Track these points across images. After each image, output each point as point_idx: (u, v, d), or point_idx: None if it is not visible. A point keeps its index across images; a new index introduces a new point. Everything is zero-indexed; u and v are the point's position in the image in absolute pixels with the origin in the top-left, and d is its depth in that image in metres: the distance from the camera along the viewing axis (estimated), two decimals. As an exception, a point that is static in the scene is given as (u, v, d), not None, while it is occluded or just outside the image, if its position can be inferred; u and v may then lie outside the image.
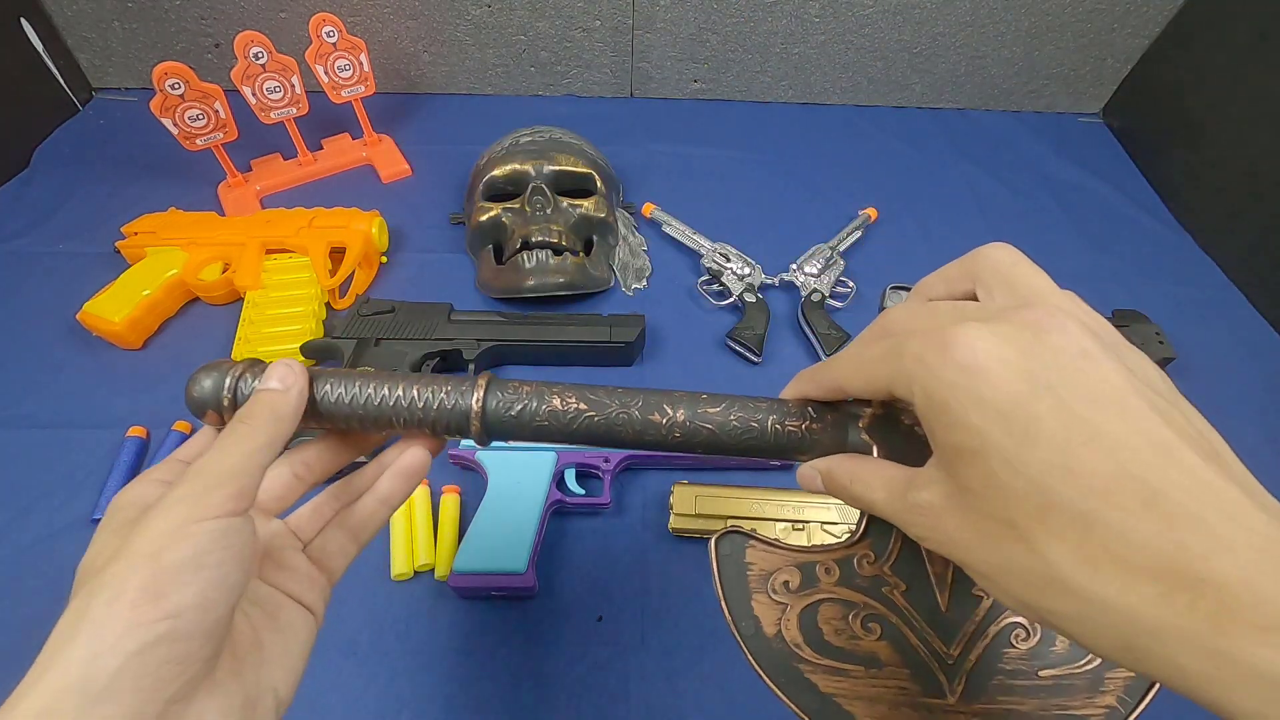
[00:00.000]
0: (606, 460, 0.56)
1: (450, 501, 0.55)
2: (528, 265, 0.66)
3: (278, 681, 0.26)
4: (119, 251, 0.69)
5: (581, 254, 0.70)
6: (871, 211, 0.79)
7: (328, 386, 0.29)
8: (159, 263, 0.67)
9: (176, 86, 0.66)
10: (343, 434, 0.32)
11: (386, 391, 0.29)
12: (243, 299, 0.66)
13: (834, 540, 0.41)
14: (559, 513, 0.56)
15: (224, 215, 0.74)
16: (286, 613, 0.28)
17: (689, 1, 0.85)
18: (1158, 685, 0.25)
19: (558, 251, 0.67)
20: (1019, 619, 0.26)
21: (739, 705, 0.48)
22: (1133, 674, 0.26)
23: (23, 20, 0.80)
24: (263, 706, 0.25)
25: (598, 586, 0.53)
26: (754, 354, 0.66)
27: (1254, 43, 0.76)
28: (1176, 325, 0.68)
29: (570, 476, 0.56)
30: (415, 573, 0.52)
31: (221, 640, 0.23)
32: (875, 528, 0.28)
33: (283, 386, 0.28)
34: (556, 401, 0.29)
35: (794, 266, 0.73)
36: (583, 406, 0.29)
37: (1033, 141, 0.93)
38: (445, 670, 0.49)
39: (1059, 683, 0.26)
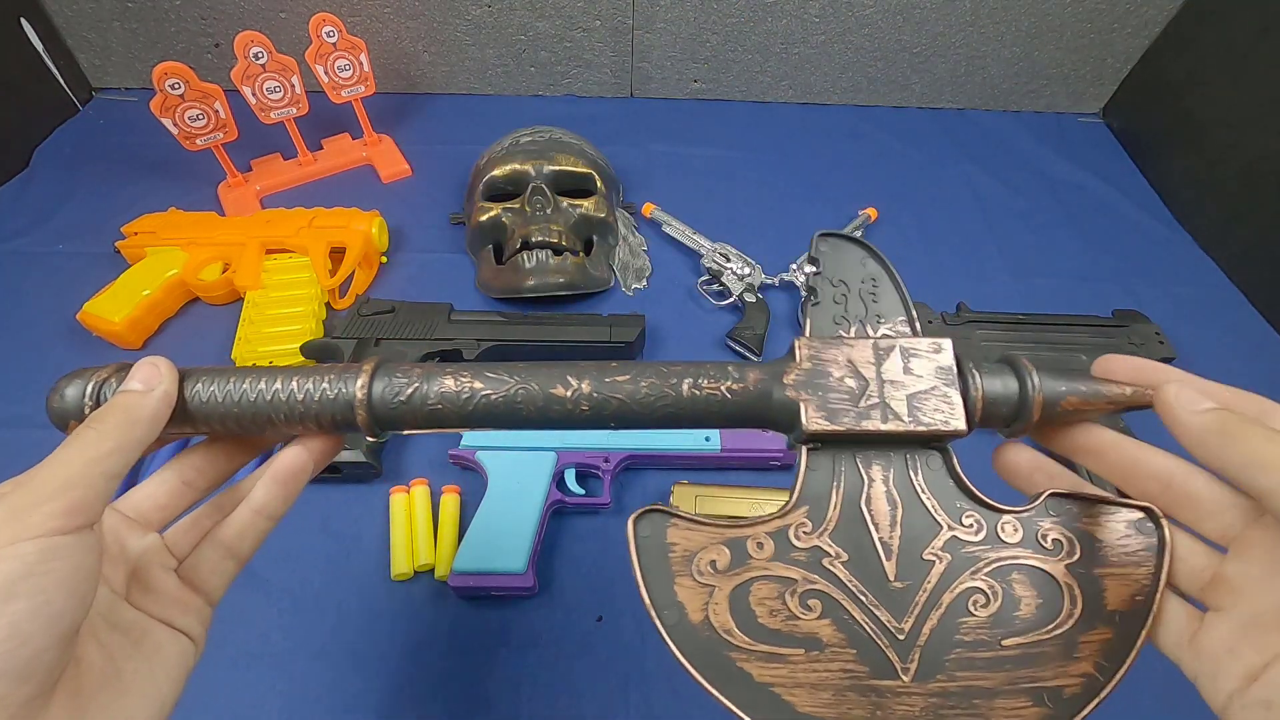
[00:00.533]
0: (606, 460, 0.56)
1: (450, 501, 0.55)
2: (528, 265, 0.66)
3: (136, 715, 0.23)
4: (119, 251, 0.69)
5: (581, 254, 0.70)
6: (871, 211, 0.79)
7: (199, 386, 0.27)
8: (159, 263, 0.67)
9: (176, 86, 0.66)
10: (235, 436, 0.30)
11: (264, 387, 0.27)
12: (243, 299, 0.66)
13: None
14: (559, 513, 0.56)
15: (224, 215, 0.74)
16: (155, 639, 0.25)
17: (689, 1, 0.85)
18: (1138, 647, 0.23)
19: (558, 251, 0.67)
20: (977, 583, 0.24)
21: (739, 705, 0.48)
22: (1110, 635, 0.23)
23: (23, 20, 0.80)
24: None
25: (598, 586, 0.53)
26: (754, 354, 0.66)
27: (1254, 43, 0.76)
28: (1176, 325, 0.68)
29: (570, 476, 0.56)
30: (415, 573, 0.52)
31: (46, 678, 0.20)
32: (811, 492, 0.26)
33: (144, 387, 0.25)
34: (449, 382, 0.26)
35: (794, 266, 0.73)
36: (478, 385, 0.26)
37: (1033, 141, 0.93)
38: (445, 670, 0.49)
39: (1026, 651, 0.23)
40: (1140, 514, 0.25)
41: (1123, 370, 0.26)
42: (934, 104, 0.98)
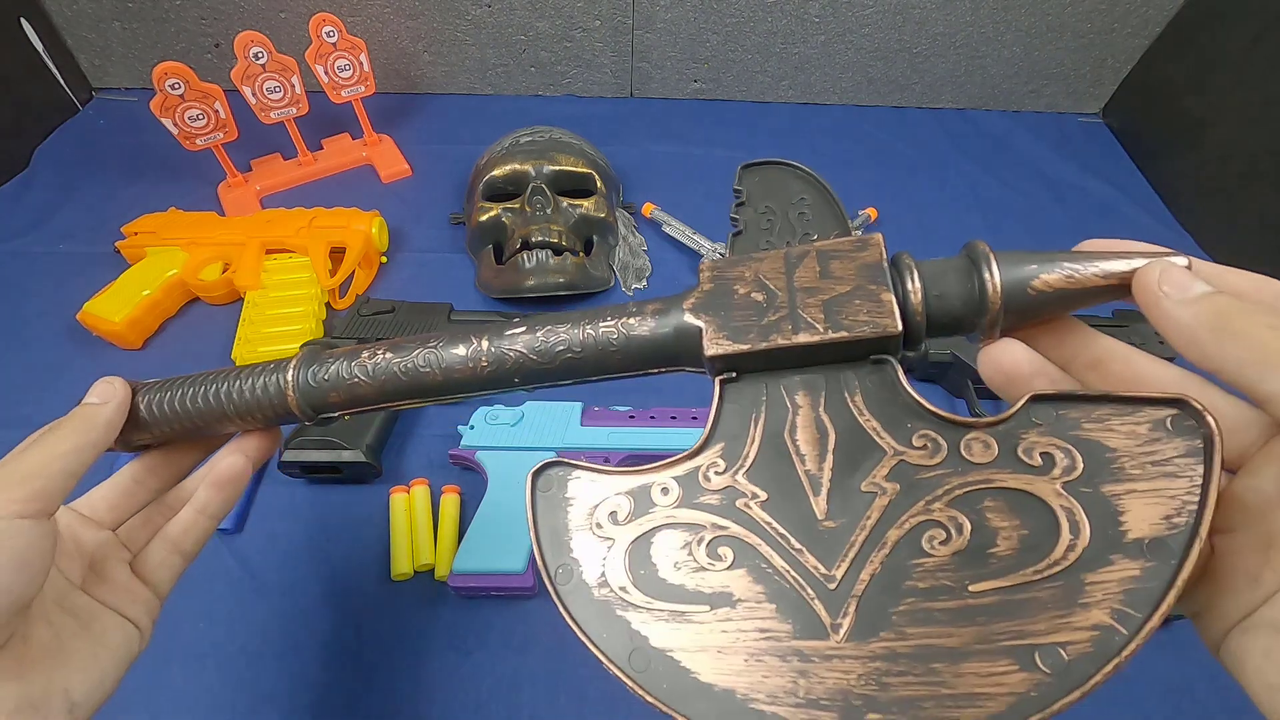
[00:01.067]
0: (607, 460, 0.56)
1: (450, 501, 0.55)
2: (528, 265, 0.66)
3: (73, 684, 0.25)
4: (119, 251, 0.69)
5: (581, 254, 0.70)
6: (871, 211, 0.79)
7: (150, 397, 0.30)
8: (159, 263, 0.67)
9: (176, 86, 0.66)
10: (190, 438, 0.32)
11: (206, 390, 0.29)
12: (243, 299, 0.66)
13: None
14: (559, 513, 0.56)
15: (224, 215, 0.74)
16: (102, 623, 0.28)
17: (689, 1, 0.85)
18: (1180, 583, 0.17)
19: (558, 251, 0.67)
20: (934, 515, 0.19)
21: (739, 705, 0.48)
22: (1136, 570, 0.17)
23: (23, 20, 0.80)
24: (50, 707, 0.24)
25: (598, 586, 0.53)
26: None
27: (1254, 43, 0.76)
28: (1176, 325, 0.68)
29: (570, 476, 0.56)
30: (415, 573, 0.52)
31: None
32: (726, 429, 0.22)
33: (100, 400, 0.29)
34: (364, 354, 0.27)
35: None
36: (389, 355, 0.26)
37: (1033, 141, 0.93)
38: (445, 670, 0.49)
39: (1007, 599, 0.18)
40: (1171, 410, 0.19)
41: (1108, 250, 0.21)
42: (934, 104, 0.98)
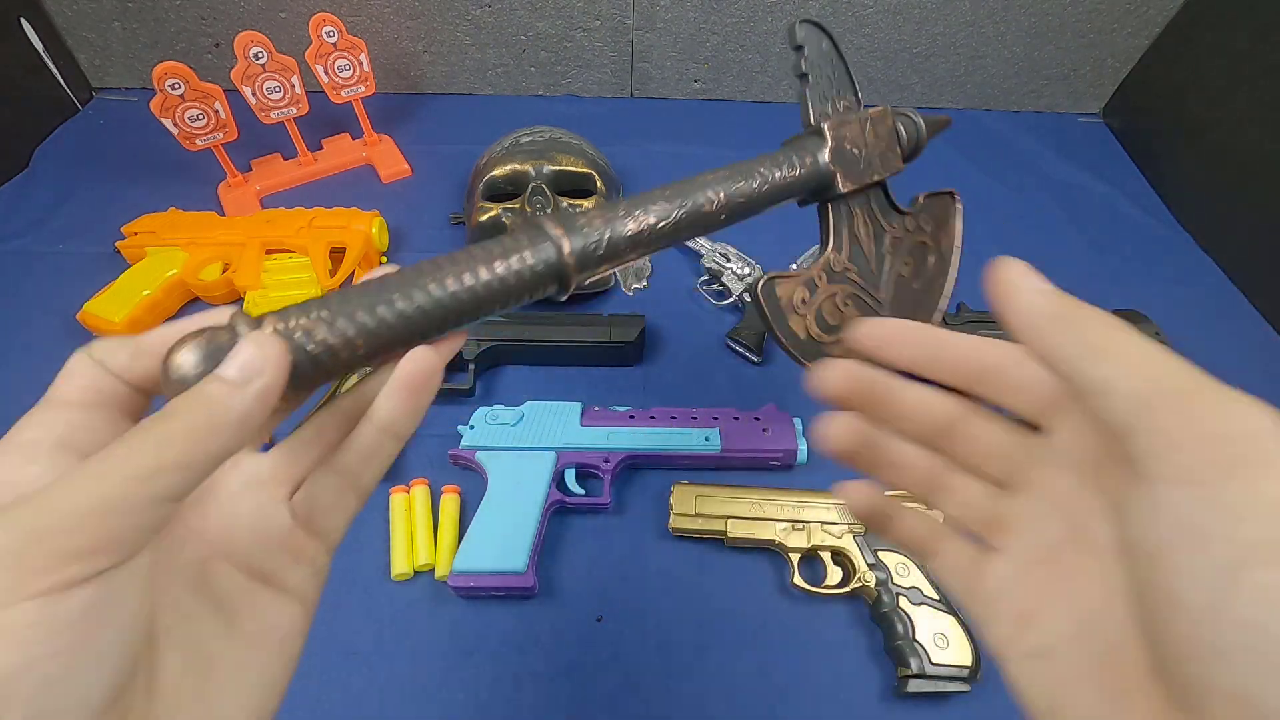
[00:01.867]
0: (606, 460, 0.56)
1: (450, 501, 0.55)
2: (528, 265, 0.66)
3: (230, 715, 0.19)
4: (119, 251, 0.69)
5: (581, 254, 0.70)
6: (871, 211, 0.79)
7: (314, 323, 0.21)
8: (159, 263, 0.67)
9: (176, 86, 0.66)
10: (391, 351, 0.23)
11: (429, 293, 0.23)
12: (242, 299, 0.66)
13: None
14: (559, 513, 0.56)
15: (224, 215, 0.74)
16: (256, 608, 0.21)
17: (689, 1, 0.85)
18: (953, 272, 0.37)
19: (558, 251, 0.67)
20: (903, 258, 0.36)
21: (740, 705, 0.48)
22: (935, 260, 0.37)
23: (23, 20, 0.80)
24: None
25: (598, 586, 0.53)
26: (754, 354, 0.66)
27: (1254, 43, 0.76)
28: (1176, 325, 0.68)
29: (570, 476, 0.56)
30: (415, 573, 0.52)
31: None
32: (835, 232, 0.35)
33: (240, 377, 0.18)
34: (630, 225, 0.30)
35: (794, 266, 0.73)
36: (651, 220, 0.31)
37: (1033, 141, 0.93)
38: (445, 670, 0.49)
39: (930, 284, 0.37)
40: (949, 195, 0.39)
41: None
42: (934, 104, 0.98)
